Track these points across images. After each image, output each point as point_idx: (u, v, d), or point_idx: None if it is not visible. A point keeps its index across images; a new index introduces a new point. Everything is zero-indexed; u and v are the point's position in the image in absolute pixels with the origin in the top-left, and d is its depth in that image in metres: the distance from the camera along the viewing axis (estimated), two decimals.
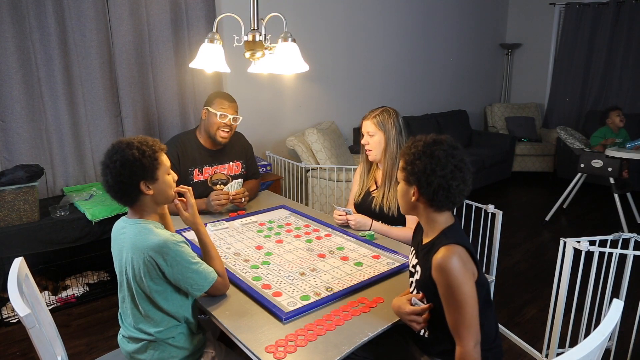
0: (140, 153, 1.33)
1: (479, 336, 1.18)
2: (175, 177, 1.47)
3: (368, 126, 2.01)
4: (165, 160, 1.41)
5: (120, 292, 1.46)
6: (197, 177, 2.31)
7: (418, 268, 1.33)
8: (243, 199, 2.26)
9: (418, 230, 1.44)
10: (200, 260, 1.40)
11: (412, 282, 1.39)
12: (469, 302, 1.16)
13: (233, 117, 2.27)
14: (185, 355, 1.44)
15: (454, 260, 1.16)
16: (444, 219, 1.29)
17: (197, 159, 2.30)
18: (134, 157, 1.32)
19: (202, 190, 2.27)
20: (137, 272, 1.34)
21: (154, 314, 1.39)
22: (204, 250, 1.50)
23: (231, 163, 2.41)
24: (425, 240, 1.32)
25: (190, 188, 1.52)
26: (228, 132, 2.27)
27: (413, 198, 1.27)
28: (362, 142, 2.05)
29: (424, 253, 1.30)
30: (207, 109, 2.27)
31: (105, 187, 1.37)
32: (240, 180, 2.35)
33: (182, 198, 1.51)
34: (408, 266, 1.44)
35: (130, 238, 1.36)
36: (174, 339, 1.41)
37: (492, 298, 1.33)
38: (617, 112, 4.16)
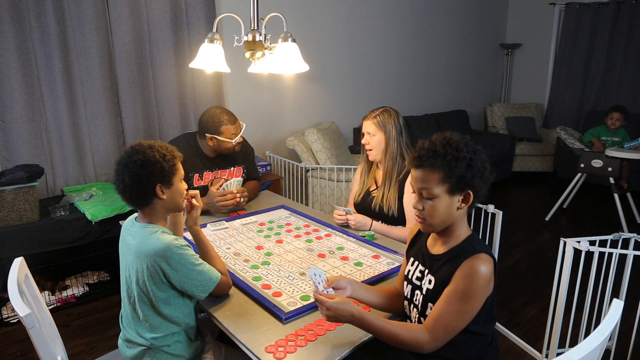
0: (161, 156, 1.35)
1: (444, 342, 1.17)
2: (186, 186, 1.48)
3: (368, 126, 2.01)
4: (181, 168, 1.43)
5: (122, 292, 1.46)
6: (197, 182, 2.31)
7: (430, 277, 1.26)
8: (242, 199, 2.24)
9: (417, 239, 1.40)
10: (203, 262, 1.40)
11: (415, 292, 1.32)
12: (467, 316, 1.16)
13: (241, 134, 2.28)
14: None
15: (486, 273, 1.14)
16: (466, 227, 1.26)
17: (198, 165, 2.30)
18: (155, 158, 1.34)
19: (203, 195, 2.27)
20: (140, 276, 1.34)
21: (153, 320, 1.39)
22: (204, 251, 1.51)
23: (232, 168, 2.40)
24: (440, 251, 1.27)
25: (198, 192, 1.55)
26: (240, 144, 2.32)
27: (463, 205, 1.19)
28: (362, 141, 2.04)
29: (444, 262, 1.24)
30: (214, 137, 2.22)
31: (119, 187, 1.37)
32: (240, 179, 2.35)
33: (194, 200, 1.53)
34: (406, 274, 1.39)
35: (135, 242, 1.36)
36: (169, 347, 1.40)
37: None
38: (612, 115, 4.13)
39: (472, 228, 1.32)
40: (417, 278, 1.32)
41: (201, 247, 1.52)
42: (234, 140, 2.22)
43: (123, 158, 1.36)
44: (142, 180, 1.33)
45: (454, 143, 1.18)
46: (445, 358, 1.24)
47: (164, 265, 1.31)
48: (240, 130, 2.27)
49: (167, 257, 1.30)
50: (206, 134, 2.23)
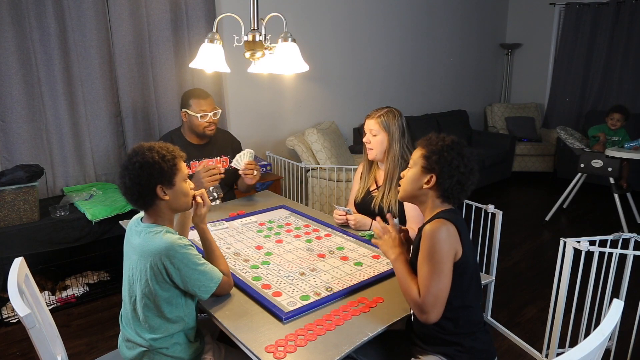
0: (160, 157, 1.35)
1: (437, 309, 1.25)
2: (192, 185, 1.48)
3: (371, 125, 2.00)
4: (183, 167, 1.42)
5: (123, 292, 1.47)
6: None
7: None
8: (255, 172, 2.26)
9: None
10: (205, 262, 1.40)
11: None
12: (442, 276, 1.24)
13: (213, 113, 2.33)
14: None
15: (444, 233, 1.25)
16: (436, 209, 1.37)
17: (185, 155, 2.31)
18: (154, 160, 1.34)
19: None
20: (143, 275, 1.34)
21: (153, 321, 1.38)
22: (209, 250, 1.51)
23: (218, 157, 2.46)
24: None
25: (204, 191, 1.55)
26: (214, 127, 2.37)
27: (425, 185, 1.35)
28: (364, 140, 2.04)
29: (418, 239, 1.35)
30: (185, 111, 2.32)
31: (122, 190, 1.38)
32: (251, 151, 2.32)
33: (199, 198, 1.53)
34: None
35: (139, 242, 1.36)
36: (168, 349, 1.40)
37: (483, 294, 1.40)
38: (612, 115, 4.12)
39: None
40: None
41: (206, 246, 1.52)
42: (199, 115, 2.27)
43: (124, 161, 1.37)
44: (142, 182, 1.33)
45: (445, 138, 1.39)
46: (450, 343, 1.32)
47: (167, 264, 1.31)
48: (214, 108, 2.33)
49: (170, 256, 1.31)
50: (182, 110, 2.35)
